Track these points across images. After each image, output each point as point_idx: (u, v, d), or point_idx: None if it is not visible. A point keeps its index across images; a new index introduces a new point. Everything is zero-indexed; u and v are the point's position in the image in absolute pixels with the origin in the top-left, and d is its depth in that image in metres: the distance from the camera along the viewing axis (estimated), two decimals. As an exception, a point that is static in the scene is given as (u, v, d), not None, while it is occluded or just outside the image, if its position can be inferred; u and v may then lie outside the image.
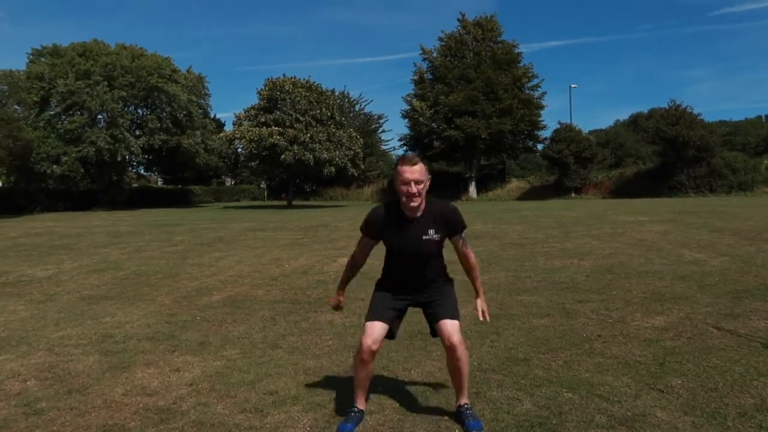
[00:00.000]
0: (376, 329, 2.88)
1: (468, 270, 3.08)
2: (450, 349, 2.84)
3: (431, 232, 2.84)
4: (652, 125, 36.01)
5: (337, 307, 3.28)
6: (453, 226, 2.90)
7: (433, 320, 2.94)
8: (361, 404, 2.97)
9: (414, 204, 2.78)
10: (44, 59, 33.94)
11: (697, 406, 2.96)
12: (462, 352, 2.84)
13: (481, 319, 3.08)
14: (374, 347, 2.86)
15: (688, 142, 32.52)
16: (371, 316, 2.92)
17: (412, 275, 2.94)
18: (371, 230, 2.96)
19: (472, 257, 3.04)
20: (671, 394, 3.13)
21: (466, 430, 2.79)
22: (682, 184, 33.55)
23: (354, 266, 3.12)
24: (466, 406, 2.93)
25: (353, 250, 3.11)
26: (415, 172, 2.76)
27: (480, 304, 3.09)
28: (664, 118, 34.37)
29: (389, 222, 2.89)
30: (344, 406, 3.07)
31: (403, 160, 2.83)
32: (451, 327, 2.84)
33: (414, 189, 2.75)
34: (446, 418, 2.92)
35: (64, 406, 3.18)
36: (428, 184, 2.83)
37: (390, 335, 2.98)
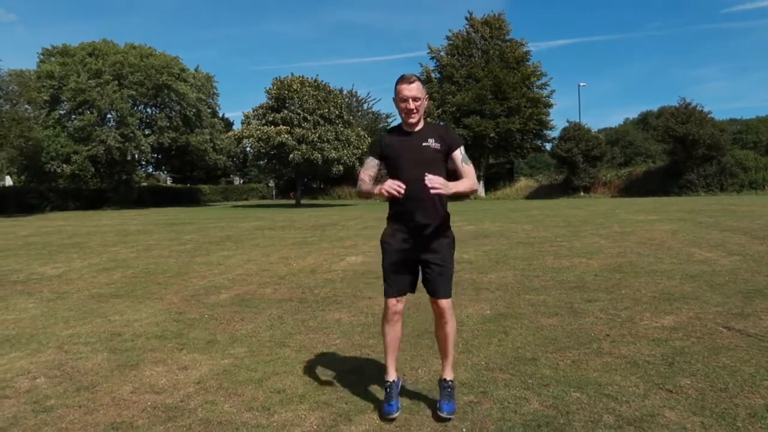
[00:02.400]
0: (397, 291, 3.00)
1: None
2: (438, 315, 3.02)
3: (431, 140, 2.97)
4: (662, 123, 35.73)
5: (389, 190, 2.78)
6: (451, 140, 3.01)
7: (429, 291, 3.02)
8: (392, 375, 3.07)
9: (413, 120, 2.96)
10: (54, 59, 34.22)
11: (707, 407, 2.93)
12: (449, 318, 3.01)
13: (427, 182, 2.70)
14: (399, 307, 3.02)
15: (699, 140, 32.27)
16: (387, 289, 3.01)
17: (415, 194, 2.83)
18: (375, 149, 3.08)
19: (472, 174, 3.03)
20: (680, 394, 3.11)
21: (438, 407, 2.90)
22: (693, 182, 33.30)
23: (362, 182, 3.11)
24: (448, 382, 3.03)
25: (362, 174, 3.14)
26: (413, 89, 2.92)
27: (438, 180, 2.71)
28: (674, 116, 34.11)
29: (391, 138, 3.04)
30: (352, 404, 3.08)
31: (401, 79, 2.96)
32: (444, 305, 2.99)
33: (412, 105, 2.92)
34: (453, 416, 2.92)
35: (72, 404, 3.20)
36: (425, 102, 3.01)
37: (413, 286, 3.10)
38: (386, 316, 3.05)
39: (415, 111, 2.94)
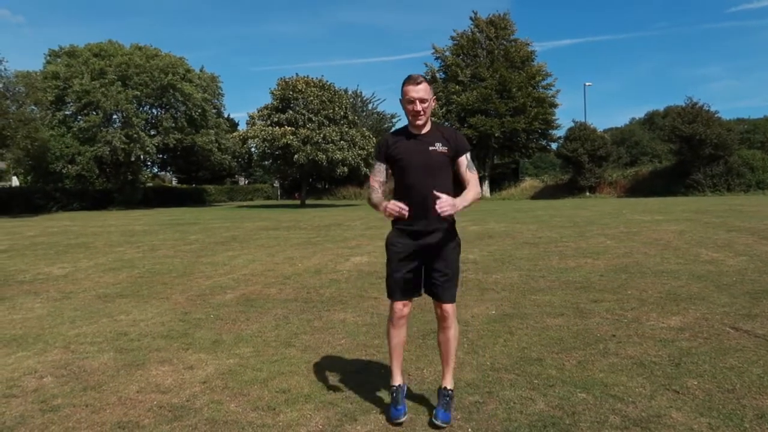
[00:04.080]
0: (403, 295, 2.98)
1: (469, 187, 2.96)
2: (442, 319, 2.99)
3: (438, 144, 2.93)
4: (669, 123, 35.60)
5: (392, 211, 2.81)
6: (458, 144, 2.98)
7: (433, 295, 2.99)
8: (398, 379, 3.04)
9: (420, 122, 2.92)
10: (60, 60, 34.40)
11: (714, 408, 2.92)
12: (452, 322, 2.98)
13: (439, 207, 2.68)
14: (405, 311, 2.99)
15: (705, 140, 32.11)
16: (392, 293, 2.99)
17: (420, 197, 2.84)
18: (380, 152, 3.03)
19: (475, 182, 2.97)
20: (687, 395, 3.09)
21: (433, 414, 2.88)
22: (699, 182, 33.14)
23: (373, 192, 3.07)
24: (447, 390, 3.00)
25: (372, 181, 3.08)
26: (420, 90, 2.88)
27: (447, 200, 2.70)
28: (680, 116, 33.96)
29: (397, 141, 2.99)
30: (357, 404, 3.08)
31: (408, 80, 2.91)
32: (448, 308, 2.96)
33: (419, 107, 2.88)
34: (459, 417, 2.91)
35: (79, 403, 3.22)
36: (433, 104, 2.96)
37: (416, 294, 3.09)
38: (392, 321, 3.02)
39: (422, 113, 2.89)
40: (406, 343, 3.16)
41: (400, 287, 2.97)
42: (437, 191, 2.80)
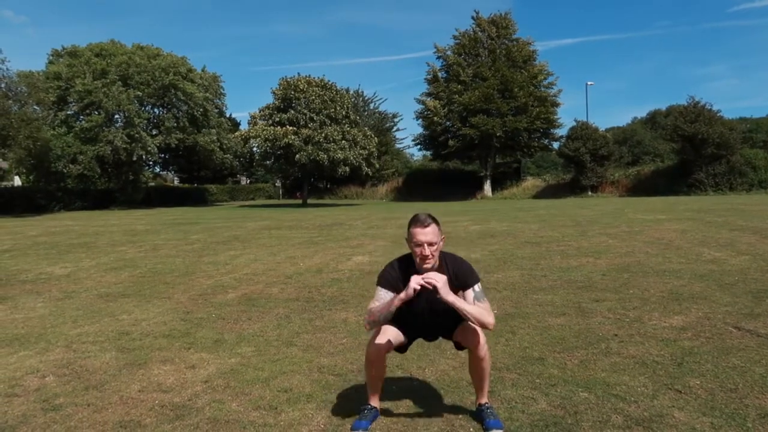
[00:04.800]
0: (389, 332, 2.87)
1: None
2: (475, 350, 2.84)
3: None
4: (671, 123, 35.55)
5: (416, 287, 2.68)
6: (467, 280, 2.82)
7: (457, 329, 2.88)
8: (374, 402, 2.96)
9: (427, 266, 2.77)
10: (62, 60, 34.46)
11: (716, 407, 2.91)
12: (485, 353, 2.84)
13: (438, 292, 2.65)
14: (384, 349, 2.85)
15: (707, 139, 32.04)
16: (380, 336, 2.87)
17: (425, 330, 3.03)
18: (390, 284, 2.83)
19: (487, 308, 2.77)
20: (689, 394, 3.09)
21: (485, 428, 2.78)
22: (701, 182, 33.08)
23: (372, 325, 2.87)
24: (486, 405, 2.91)
25: (372, 304, 2.85)
26: (428, 233, 2.75)
27: (455, 299, 2.68)
28: (682, 115, 33.89)
29: (404, 278, 2.77)
30: (359, 404, 3.07)
31: (415, 221, 2.79)
32: (479, 337, 2.81)
33: (427, 251, 2.74)
34: (460, 416, 2.91)
35: (81, 402, 3.22)
36: (442, 244, 2.82)
37: (402, 348, 3.02)
38: (369, 356, 2.89)
39: (430, 257, 2.75)
40: (384, 376, 3.01)
41: (386, 329, 2.85)
42: (442, 328, 2.92)
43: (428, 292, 2.69)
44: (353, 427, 2.80)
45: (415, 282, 2.63)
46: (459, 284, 2.81)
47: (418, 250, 2.76)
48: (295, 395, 3.25)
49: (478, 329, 2.80)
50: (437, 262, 2.83)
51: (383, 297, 2.80)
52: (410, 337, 2.99)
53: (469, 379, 3.38)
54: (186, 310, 5.52)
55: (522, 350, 3.95)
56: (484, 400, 2.95)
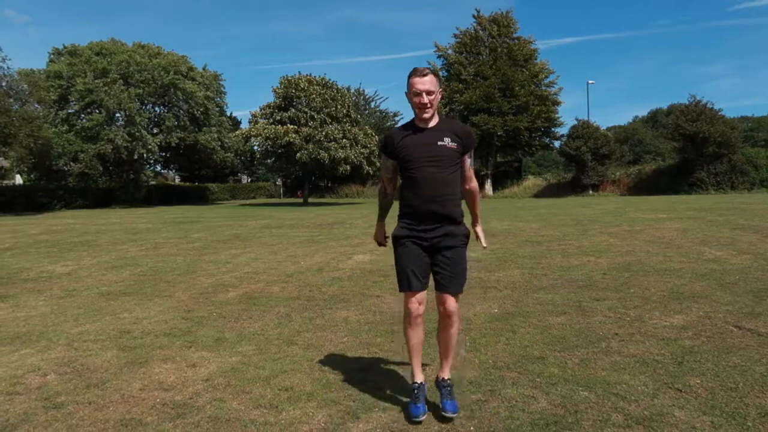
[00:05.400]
0: (416, 293, 2.93)
1: (469, 196, 3.13)
2: (444, 316, 2.94)
3: (447, 139, 2.88)
4: (672, 121, 35.50)
5: (381, 244, 3.32)
6: (467, 141, 2.95)
7: (438, 287, 2.95)
8: (419, 377, 3.01)
9: (426, 115, 2.87)
10: (63, 59, 34.47)
11: (717, 406, 2.91)
12: (454, 321, 2.94)
13: (484, 245, 3.24)
14: (421, 309, 2.95)
15: (709, 138, 32.02)
16: (407, 284, 2.92)
17: (429, 191, 2.88)
18: (388, 148, 2.98)
19: (474, 180, 3.11)
20: (690, 393, 3.09)
21: (442, 408, 2.83)
22: (703, 180, 33.06)
23: (384, 195, 3.20)
24: (447, 381, 2.97)
25: (382, 173, 3.15)
26: (426, 82, 2.83)
27: (480, 231, 3.23)
28: (683, 114, 33.87)
29: (404, 135, 2.92)
30: (359, 402, 3.08)
31: (414, 72, 2.87)
32: (450, 301, 2.91)
33: (426, 99, 2.83)
34: (460, 415, 2.91)
35: (82, 401, 3.23)
36: (440, 96, 2.91)
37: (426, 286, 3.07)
38: (408, 320, 2.96)
39: (429, 105, 2.84)
40: (424, 339, 3.11)
41: (413, 281, 2.90)
42: (445, 187, 2.86)
43: (427, 145, 2.86)
44: (413, 413, 2.83)
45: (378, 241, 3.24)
46: (462, 146, 2.91)
47: (416, 99, 2.84)
48: (296, 394, 3.25)
49: (452, 305, 2.90)
50: (437, 117, 2.93)
51: (385, 165, 3.05)
52: (419, 240, 2.95)
53: (470, 377, 3.39)
54: (187, 309, 5.52)
55: (523, 349, 3.95)
56: (445, 373, 3.00)
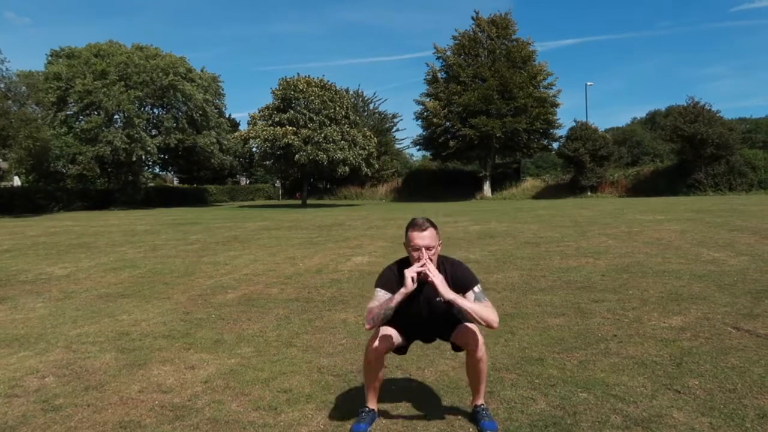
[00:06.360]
0: (388, 333, 2.85)
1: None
2: (473, 351, 2.82)
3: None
4: (670, 123, 35.55)
5: (413, 275, 2.74)
6: (465, 284, 2.78)
7: (454, 326, 2.86)
8: (372, 404, 2.94)
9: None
10: (62, 60, 34.45)
11: (715, 407, 2.92)
12: (483, 354, 2.83)
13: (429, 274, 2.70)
14: (382, 350, 2.83)
15: (707, 139, 32.07)
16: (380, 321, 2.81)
17: (422, 333, 3.03)
18: (386, 285, 2.80)
19: (489, 306, 2.76)
20: (688, 394, 3.09)
21: (480, 429, 2.78)
22: (701, 182, 33.11)
23: (375, 320, 2.81)
24: (482, 406, 2.91)
25: (371, 304, 2.80)
26: (426, 238, 2.74)
27: (448, 296, 2.70)
28: (682, 115, 33.93)
29: (402, 280, 2.72)
30: (359, 405, 3.07)
31: (412, 226, 2.79)
32: (474, 332, 2.79)
33: (425, 256, 2.73)
34: (460, 417, 2.91)
35: (81, 403, 3.22)
36: (439, 248, 2.81)
37: (401, 350, 3.01)
38: (368, 358, 2.86)
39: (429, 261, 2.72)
40: (383, 378, 2.98)
41: (386, 329, 2.82)
42: (441, 336, 2.95)
43: (427, 294, 2.69)
44: (352, 429, 2.79)
45: (411, 272, 2.64)
46: (458, 286, 2.76)
47: (416, 254, 2.74)
48: (295, 396, 3.25)
49: (476, 330, 2.80)
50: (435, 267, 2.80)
51: (381, 297, 2.77)
52: (409, 338, 2.99)
53: (467, 379, 3.38)
54: (186, 311, 5.52)
55: (521, 351, 3.95)
56: (480, 401, 2.94)
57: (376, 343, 2.81)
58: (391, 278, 2.82)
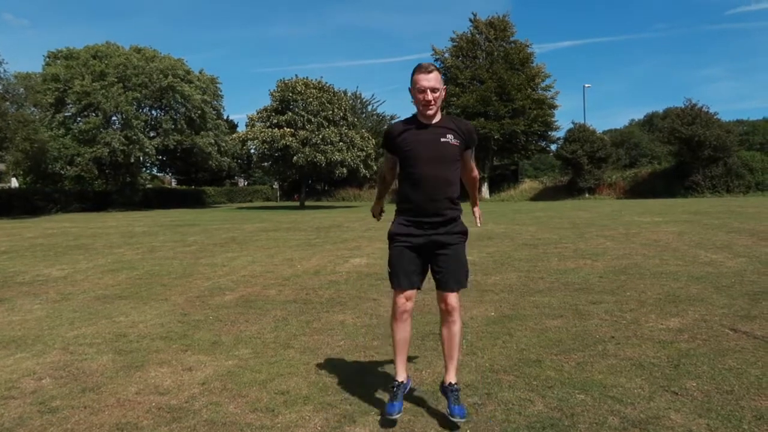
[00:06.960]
0: (405, 290, 2.93)
1: (470, 182, 3.25)
2: (446, 312, 2.94)
3: (449, 136, 2.87)
4: (668, 125, 35.68)
5: (376, 217, 3.44)
6: (469, 137, 2.96)
7: (438, 284, 2.94)
8: (401, 376, 2.96)
9: (430, 112, 2.85)
10: (59, 62, 34.42)
11: (712, 409, 2.92)
12: (456, 318, 2.93)
13: (478, 224, 3.43)
14: (408, 305, 2.93)
15: (704, 141, 32.18)
16: (397, 282, 2.93)
17: (430, 190, 2.86)
18: (388, 143, 2.98)
19: (475, 170, 3.20)
20: (686, 396, 3.09)
21: (449, 413, 2.78)
22: (698, 184, 33.20)
23: (383, 181, 3.26)
24: (454, 386, 2.91)
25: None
26: (431, 79, 2.82)
27: (477, 211, 3.40)
28: (679, 117, 34.05)
29: (406, 130, 2.91)
30: (356, 406, 3.07)
31: (418, 68, 2.85)
32: (451, 297, 2.91)
33: (430, 96, 2.81)
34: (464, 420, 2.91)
35: (78, 405, 3.21)
36: (444, 93, 2.91)
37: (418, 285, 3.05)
38: (395, 315, 2.94)
39: (433, 102, 2.81)
40: (410, 341, 3.09)
41: (402, 278, 2.90)
42: (446, 186, 2.87)
43: (429, 142, 2.85)
44: (387, 411, 2.80)
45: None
46: (464, 143, 2.93)
47: (421, 96, 2.82)
48: (293, 397, 3.24)
49: (454, 302, 2.90)
50: (440, 113, 2.92)
51: (386, 158, 3.11)
52: (415, 240, 2.94)
53: (466, 381, 3.39)
54: (183, 312, 5.51)
55: (519, 352, 3.95)
56: (451, 379, 2.94)
57: (402, 299, 2.91)
58: (391, 132, 2.97)
